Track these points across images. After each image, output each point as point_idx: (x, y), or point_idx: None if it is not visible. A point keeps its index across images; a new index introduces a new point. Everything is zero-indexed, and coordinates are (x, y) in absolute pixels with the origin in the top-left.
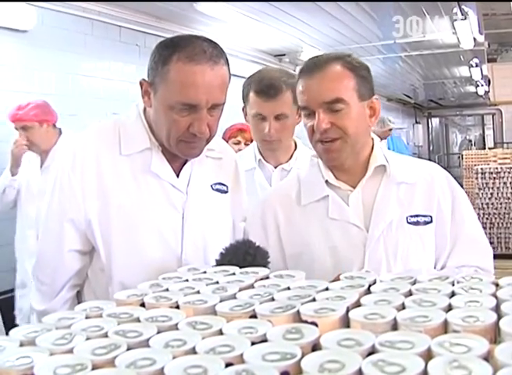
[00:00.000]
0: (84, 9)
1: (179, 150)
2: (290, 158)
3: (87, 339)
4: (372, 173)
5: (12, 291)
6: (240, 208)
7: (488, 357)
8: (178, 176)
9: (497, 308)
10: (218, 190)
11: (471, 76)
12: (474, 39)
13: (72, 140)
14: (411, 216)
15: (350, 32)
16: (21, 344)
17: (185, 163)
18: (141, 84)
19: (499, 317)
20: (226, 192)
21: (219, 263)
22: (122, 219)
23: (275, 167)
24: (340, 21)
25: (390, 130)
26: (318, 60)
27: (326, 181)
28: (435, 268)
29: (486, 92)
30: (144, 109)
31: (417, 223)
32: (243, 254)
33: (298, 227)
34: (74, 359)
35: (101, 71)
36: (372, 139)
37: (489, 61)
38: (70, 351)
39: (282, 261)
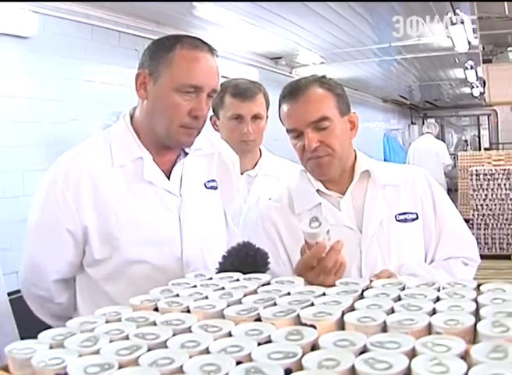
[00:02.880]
0: (85, 15)
1: (178, 137)
2: (255, 165)
3: (111, 341)
4: (358, 178)
5: (15, 293)
6: (231, 203)
7: (465, 356)
8: (169, 178)
9: (477, 313)
10: (211, 187)
11: (466, 78)
12: (469, 42)
13: (62, 156)
14: (399, 214)
15: (345, 35)
16: (51, 347)
17: (174, 166)
18: (138, 76)
19: (478, 320)
20: (217, 187)
21: (223, 265)
22: (124, 230)
23: (242, 173)
24: (335, 25)
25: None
26: (298, 84)
27: (317, 190)
28: (425, 261)
29: (481, 93)
30: (131, 119)
31: (405, 221)
32: (244, 255)
33: (297, 233)
34: (102, 359)
35: (101, 75)
36: (354, 150)
37: (485, 62)
38: (97, 352)
39: (290, 264)
